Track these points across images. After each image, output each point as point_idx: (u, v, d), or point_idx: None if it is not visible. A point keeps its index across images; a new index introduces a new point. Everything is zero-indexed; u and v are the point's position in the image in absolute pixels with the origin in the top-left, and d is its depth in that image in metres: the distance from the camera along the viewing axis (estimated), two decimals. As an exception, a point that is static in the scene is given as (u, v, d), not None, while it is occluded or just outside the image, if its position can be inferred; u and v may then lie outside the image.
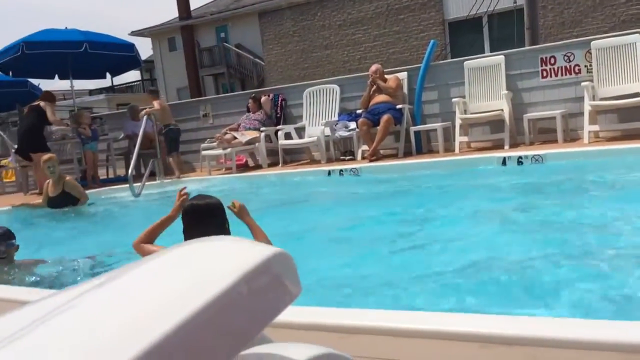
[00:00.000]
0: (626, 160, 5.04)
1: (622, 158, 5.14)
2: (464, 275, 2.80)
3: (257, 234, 2.47)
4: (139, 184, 6.79)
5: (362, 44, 17.30)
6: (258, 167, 8.25)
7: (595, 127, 6.27)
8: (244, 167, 8.38)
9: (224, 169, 8.46)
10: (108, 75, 11.84)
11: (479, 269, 2.88)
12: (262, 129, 8.19)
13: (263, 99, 8.62)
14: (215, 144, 8.18)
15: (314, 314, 1.94)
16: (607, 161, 5.17)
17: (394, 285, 2.80)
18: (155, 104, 8.35)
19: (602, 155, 5.34)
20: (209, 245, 0.62)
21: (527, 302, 2.41)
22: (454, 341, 1.68)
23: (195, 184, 6.81)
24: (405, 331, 1.77)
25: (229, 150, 7.92)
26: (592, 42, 6.52)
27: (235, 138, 8.02)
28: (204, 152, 8.37)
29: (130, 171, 6.84)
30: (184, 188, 2.52)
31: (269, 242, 2.37)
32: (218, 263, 0.57)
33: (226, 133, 8.18)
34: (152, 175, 7.76)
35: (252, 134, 8.13)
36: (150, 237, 2.47)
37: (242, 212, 2.46)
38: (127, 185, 6.64)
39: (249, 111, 8.66)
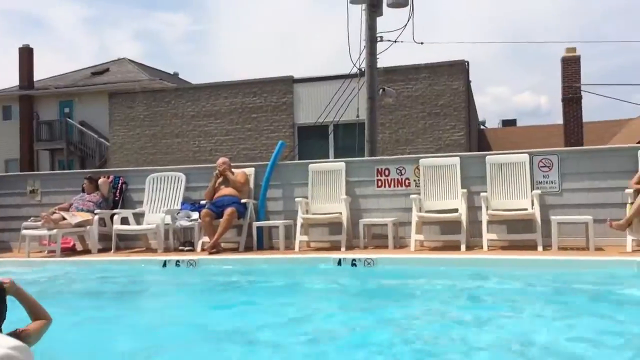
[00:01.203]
0: (440, 269, 5.55)
1: (438, 267, 5.64)
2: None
3: (34, 309, 2.36)
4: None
5: (214, 136, 17.48)
6: (87, 252, 7.62)
7: (421, 237, 6.83)
8: (70, 251, 7.67)
9: (46, 252, 7.68)
10: None
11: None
12: (96, 211, 7.68)
13: (101, 180, 8.17)
14: (40, 223, 7.44)
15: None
16: (426, 269, 5.62)
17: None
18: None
19: (423, 263, 5.80)
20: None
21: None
22: None
23: (7, 266, 6.06)
24: None
25: (54, 231, 7.24)
26: (420, 160, 7.26)
27: (64, 218, 7.40)
28: (24, 232, 7.53)
29: None
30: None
31: (47, 316, 2.33)
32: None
33: (54, 212, 7.51)
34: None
35: (84, 216, 7.57)
36: None
37: (11, 288, 2.30)
38: None
39: (84, 191, 8.12)
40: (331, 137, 15.90)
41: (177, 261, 6.14)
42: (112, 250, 7.41)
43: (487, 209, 6.55)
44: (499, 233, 6.67)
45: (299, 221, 7.16)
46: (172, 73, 30.70)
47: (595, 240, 6.02)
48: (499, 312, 4.06)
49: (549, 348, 3.09)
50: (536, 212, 6.35)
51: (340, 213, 7.07)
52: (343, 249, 6.77)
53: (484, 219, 6.51)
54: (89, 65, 28.83)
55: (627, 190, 6.07)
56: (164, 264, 6.15)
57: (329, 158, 14.72)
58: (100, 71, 27.55)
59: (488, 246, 6.40)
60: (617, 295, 4.40)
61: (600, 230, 6.14)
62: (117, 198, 8.23)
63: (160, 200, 7.95)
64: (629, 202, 5.99)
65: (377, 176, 7.43)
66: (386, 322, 3.84)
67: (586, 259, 5.44)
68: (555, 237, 6.10)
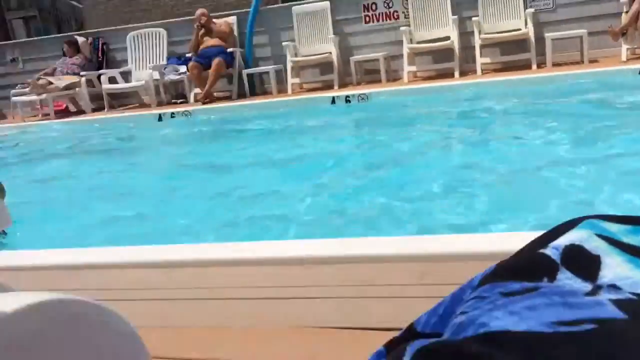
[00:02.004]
0: (439, 96, 5.55)
1: (435, 95, 5.64)
2: (313, 210, 2.88)
3: None
4: None
5: (190, -13, 16.52)
6: (81, 112, 7.59)
7: (413, 68, 6.75)
8: (64, 113, 7.66)
9: (40, 115, 7.67)
10: None
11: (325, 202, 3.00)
12: (82, 73, 7.52)
13: (81, 41, 7.89)
14: (27, 89, 7.34)
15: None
16: (422, 98, 5.63)
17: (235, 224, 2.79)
18: None
19: (417, 93, 5.79)
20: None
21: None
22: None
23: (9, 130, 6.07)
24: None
25: (44, 95, 7.15)
26: (408, -11, 6.92)
27: (51, 83, 7.27)
28: (14, 99, 7.44)
29: None
30: None
31: None
32: None
33: (40, 78, 7.37)
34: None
35: (71, 79, 7.43)
36: None
37: None
38: None
39: (65, 56, 7.89)
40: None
41: (172, 113, 6.14)
42: (106, 109, 7.39)
43: (480, 33, 6.39)
44: (492, 56, 6.58)
45: (289, 65, 7.04)
46: None
47: (590, 53, 5.97)
48: (495, 129, 4.16)
49: (552, 156, 3.19)
50: (530, 31, 6.21)
51: (330, 53, 6.92)
52: (336, 87, 6.74)
53: (477, 43, 6.38)
54: None
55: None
56: (160, 118, 6.16)
57: None
58: None
59: (482, 70, 6.35)
60: (613, 102, 4.46)
61: (595, 43, 6.06)
62: (100, 59, 8.03)
63: (145, 58, 7.77)
64: (625, 10, 5.82)
65: (364, 12, 7.18)
66: (384, 148, 3.95)
67: (581, 71, 5.42)
68: (550, 54, 6.03)
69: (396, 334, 0.41)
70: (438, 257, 1.72)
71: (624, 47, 5.75)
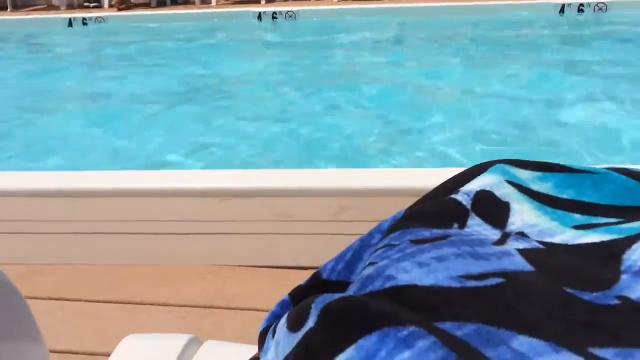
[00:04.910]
0: (367, 20, 5.47)
1: (363, 17, 5.53)
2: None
3: None
4: None
5: None
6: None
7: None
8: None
9: None
10: None
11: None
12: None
13: None
14: None
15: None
16: (349, 19, 5.51)
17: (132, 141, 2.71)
18: None
19: (345, 14, 5.64)
20: None
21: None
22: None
23: None
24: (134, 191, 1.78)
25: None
26: None
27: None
28: None
29: None
30: None
31: None
32: None
33: None
34: None
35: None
36: None
37: None
38: None
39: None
40: None
41: (84, 19, 5.66)
42: (9, 9, 6.69)
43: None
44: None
45: (216, -29, 6.60)
46: None
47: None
48: (407, 56, 4.26)
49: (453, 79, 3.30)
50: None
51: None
52: (263, 2, 6.44)
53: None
54: None
55: None
56: (70, 23, 5.66)
57: None
58: None
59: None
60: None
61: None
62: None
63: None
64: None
65: None
66: (300, 69, 3.92)
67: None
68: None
69: (312, 272, 0.42)
70: (358, 192, 1.75)
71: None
